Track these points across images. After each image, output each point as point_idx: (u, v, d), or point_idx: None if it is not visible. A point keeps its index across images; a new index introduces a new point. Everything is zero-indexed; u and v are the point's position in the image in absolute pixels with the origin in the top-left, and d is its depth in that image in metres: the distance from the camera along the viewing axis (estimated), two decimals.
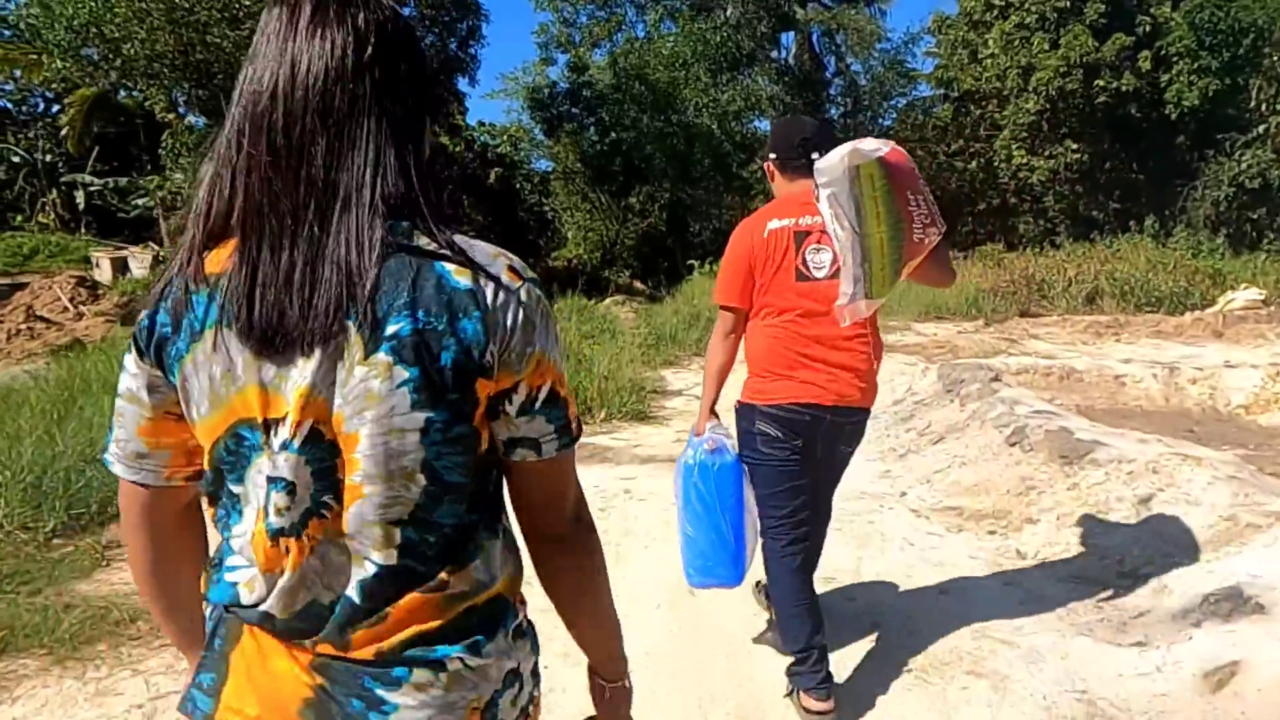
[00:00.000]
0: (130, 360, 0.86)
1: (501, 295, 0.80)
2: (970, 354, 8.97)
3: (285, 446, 0.79)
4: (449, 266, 0.79)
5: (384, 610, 0.81)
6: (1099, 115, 23.36)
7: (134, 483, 0.90)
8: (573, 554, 0.93)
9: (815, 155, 2.15)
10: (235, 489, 0.83)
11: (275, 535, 0.81)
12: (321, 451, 0.79)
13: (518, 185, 28.50)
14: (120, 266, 17.39)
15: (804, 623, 2.36)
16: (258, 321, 0.77)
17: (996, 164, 26.21)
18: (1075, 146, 23.23)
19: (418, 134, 0.84)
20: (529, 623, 0.94)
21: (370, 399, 0.77)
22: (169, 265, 0.84)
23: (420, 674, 0.82)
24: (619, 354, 8.36)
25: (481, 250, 0.82)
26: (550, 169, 27.36)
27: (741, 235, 2.37)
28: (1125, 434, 4.36)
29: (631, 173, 22.00)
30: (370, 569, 0.81)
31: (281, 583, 0.81)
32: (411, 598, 0.82)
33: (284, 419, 0.78)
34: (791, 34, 26.52)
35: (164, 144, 18.72)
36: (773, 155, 2.41)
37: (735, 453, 2.39)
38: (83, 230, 32.68)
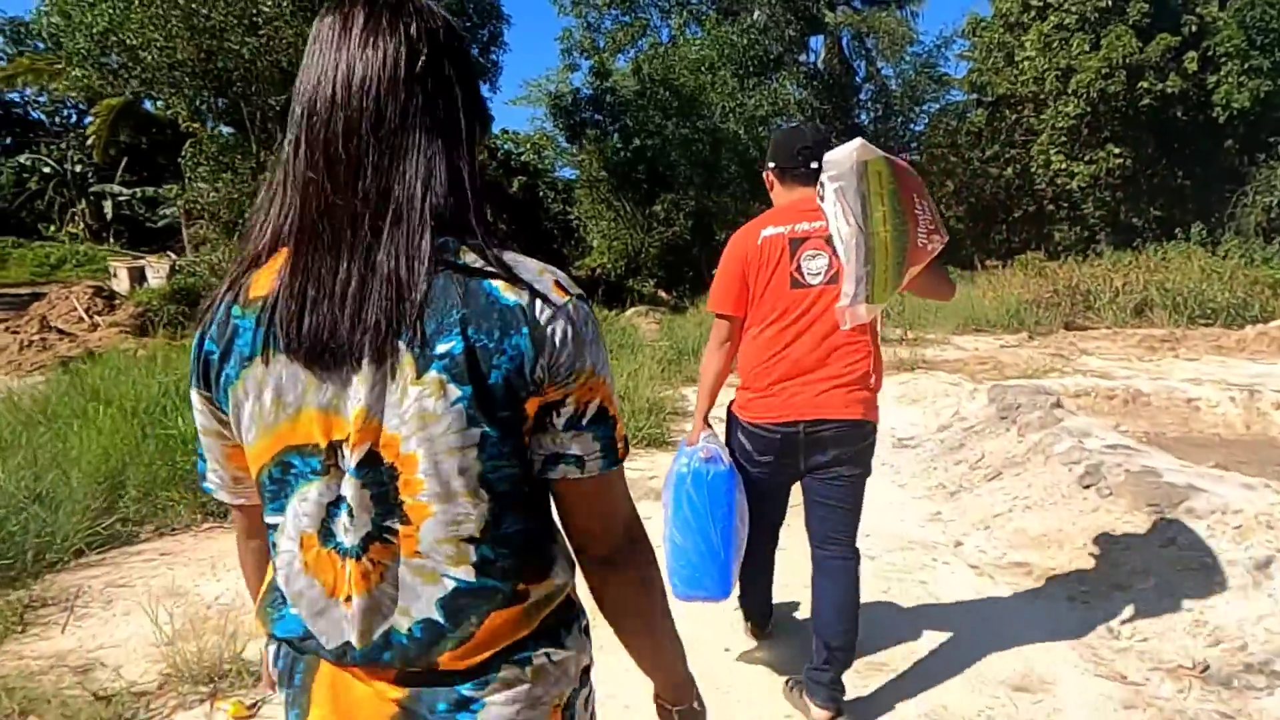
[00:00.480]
0: (195, 396, 0.86)
1: (549, 311, 0.79)
2: (1018, 372, 8.30)
3: (349, 469, 0.78)
4: (497, 283, 0.78)
5: (471, 632, 0.81)
6: (1142, 118, 22.46)
7: (240, 506, 0.94)
8: (625, 573, 0.90)
9: (814, 165, 2.18)
10: (273, 519, 0.84)
11: (344, 555, 0.80)
12: (379, 474, 0.78)
13: (541, 193, 28.18)
14: (138, 276, 17.19)
15: (760, 582, 2.70)
16: (308, 335, 0.76)
17: (1034, 170, 25.35)
18: (1117, 151, 22.32)
19: (469, 146, 0.83)
20: (588, 621, 0.94)
21: (426, 418, 0.76)
22: (217, 289, 0.84)
23: (508, 671, 0.83)
24: (638, 370, 7.84)
25: (528, 266, 0.81)
26: (574, 177, 27.01)
27: (736, 243, 2.35)
28: (1224, 476, 3.72)
29: (656, 180, 21.50)
30: (450, 585, 0.80)
31: (352, 611, 0.80)
32: (495, 616, 0.81)
33: (347, 439, 0.78)
34: (821, 37, 25.91)
35: (184, 153, 18.57)
36: (772, 164, 2.40)
37: (729, 462, 2.35)
38: (111, 240, 33.01)
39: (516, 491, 0.82)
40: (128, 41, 15.88)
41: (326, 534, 0.80)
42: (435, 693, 0.82)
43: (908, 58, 26.89)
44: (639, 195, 22.79)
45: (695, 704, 1.01)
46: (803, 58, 23.52)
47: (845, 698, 2.34)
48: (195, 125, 20.59)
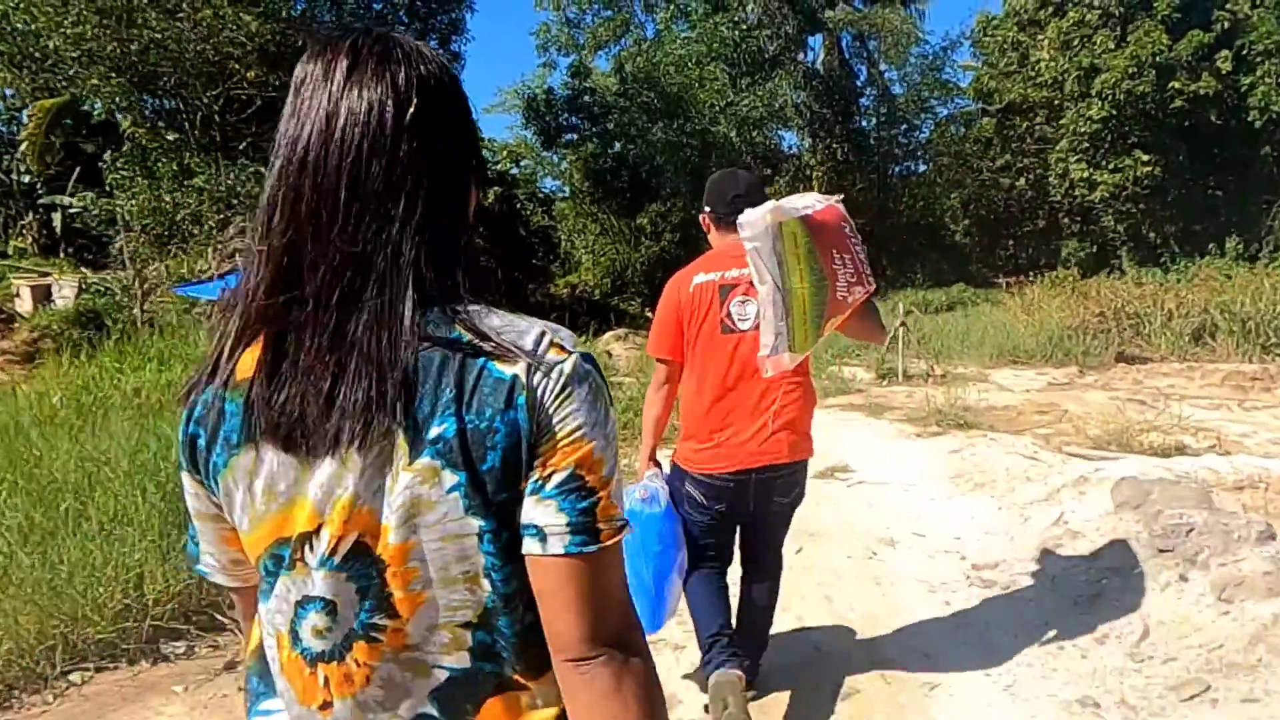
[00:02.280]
0: (185, 478, 0.82)
1: (540, 374, 0.73)
2: (1100, 429, 6.17)
3: (323, 563, 0.73)
4: (492, 358, 0.72)
5: (460, 714, 0.76)
6: (1171, 123, 20.56)
7: (239, 590, 0.89)
8: (594, 685, 0.73)
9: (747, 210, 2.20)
10: (261, 606, 0.80)
11: (313, 661, 0.75)
12: (366, 566, 0.72)
13: (519, 205, 26.18)
14: (43, 295, 15.04)
15: (712, 611, 2.48)
16: (275, 417, 0.71)
17: (1050, 180, 23.41)
18: (1145, 158, 20.39)
19: (460, 203, 0.78)
20: None
21: (421, 505, 0.71)
22: (200, 365, 0.78)
23: None
24: None
25: (526, 332, 0.74)
26: (555, 188, 25.10)
27: (670, 289, 2.45)
28: None
29: (640, 189, 19.48)
30: (442, 676, 0.75)
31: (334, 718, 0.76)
32: (492, 704, 0.76)
33: (317, 532, 0.72)
34: (820, 37, 23.99)
35: (105, 159, 16.53)
36: (707, 209, 2.50)
37: (666, 503, 2.40)
38: (62, 255, 30.81)
39: (523, 587, 0.74)
40: (30, 27, 13.86)
41: (294, 637, 0.75)
42: None
43: (913, 59, 25.00)
44: (622, 206, 20.76)
45: None
46: (801, 56, 21.58)
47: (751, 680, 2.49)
48: (140, 130, 18.54)
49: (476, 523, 0.71)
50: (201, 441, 0.76)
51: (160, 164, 15.43)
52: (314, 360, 0.70)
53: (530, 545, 0.73)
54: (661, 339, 2.41)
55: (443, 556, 0.72)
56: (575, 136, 19.54)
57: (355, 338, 0.70)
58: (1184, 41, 19.46)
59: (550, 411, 0.72)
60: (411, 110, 0.72)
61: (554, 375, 0.72)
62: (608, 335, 15.12)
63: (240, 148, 17.75)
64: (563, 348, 0.74)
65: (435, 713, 0.75)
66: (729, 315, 2.31)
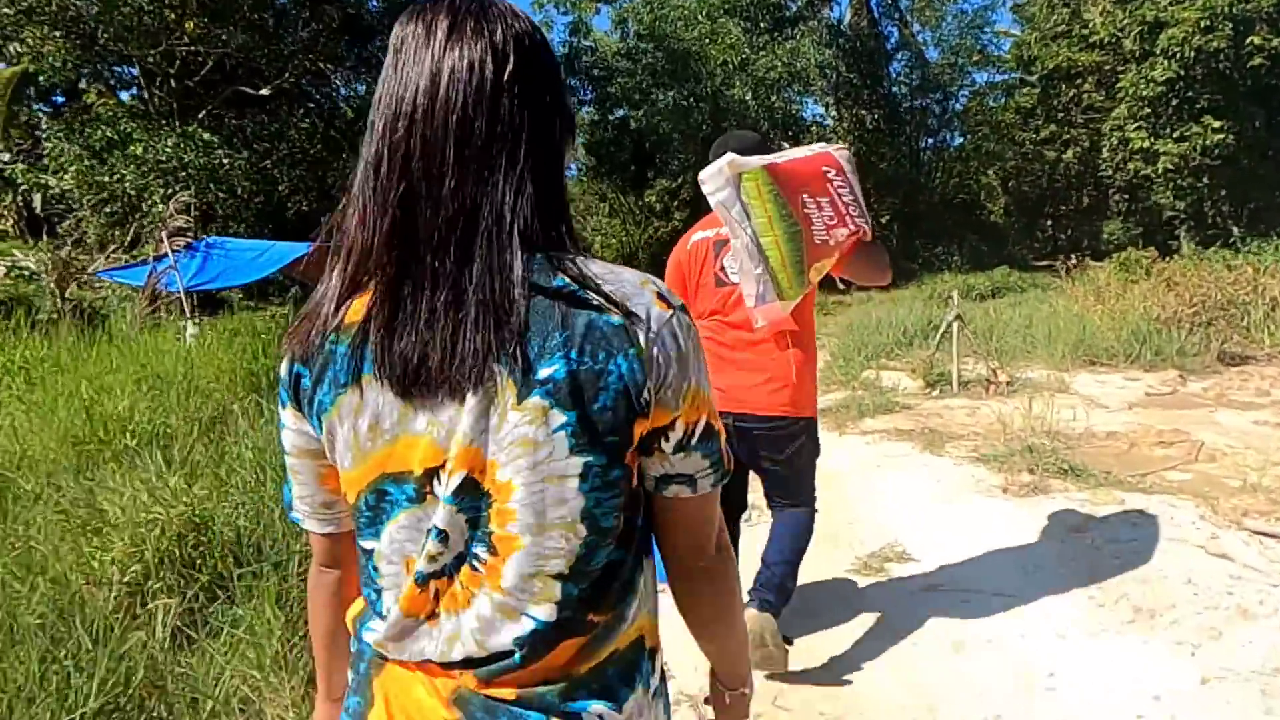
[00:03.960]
0: (286, 415, 0.85)
1: (653, 328, 0.76)
2: (1273, 473, 4.14)
3: (446, 498, 0.77)
4: (597, 302, 0.74)
5: (537, 661, 0.80)
6: (1248, 84, 18.17)
7: (328, 535, 0.92)
8: (714, 583, 0.90)
9: None
10: (367, 544, 0.83)
11: (424, 580, 0.79)
12: (476, 500, 0.76)
13: None
14: None
15: None
16: (397, 365, 0.74)
17: (1106, 151, 21.06)
18: (1216, 124, 18.00)
19: (558, 157, 0.80)
20: (663, 679, 0.91)
21: (525, 445, 0.74)
22: (309, 309, 0.81)
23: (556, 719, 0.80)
24: None
25: (628, 280, 0.78)
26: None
27: (675, 250, 2.55)
28: None
29: (644, 161, 17.42)
30: (529, 625, 0.78)
31: (436, 632, 0.79)
32: (563, 646, 0.79)
33: (444, 466, 0.76)
34: None
35: (45, 128, 14.79)
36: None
37: None
38: (45, 235, 29.38)
39: (615, 525, 0.79)
40: None
41: (424, 559, 0.78)
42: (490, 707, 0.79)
43: (949, 19, 22.65)
44: (627, 181, 18.75)
45: (746, 689, 1.03)
46: (826, 11, 19.27)
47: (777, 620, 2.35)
48: (104, 100, 16.79)
49: (582, 460, 0.74)
50: (307, 381, 0.79)
51: (92, 132, 13.60)
52: (432, 310, 0.72)
53: (679, 490, 0.82)
54: None
55: (542, 499, 0.74)
56: (573, 101, 17.49)
57: (471, 286, 0.71)
58: None
59: (672, 372, 0.76)
60: (510, 67, 0.75)
61: (667, 330, 0.76)
62: None
63: (200, 117, 16.05)
64: (667, 301, 0.77)
65: (517, 658, 0.77)
66: (723, 269, 2.39)
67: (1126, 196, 24.66)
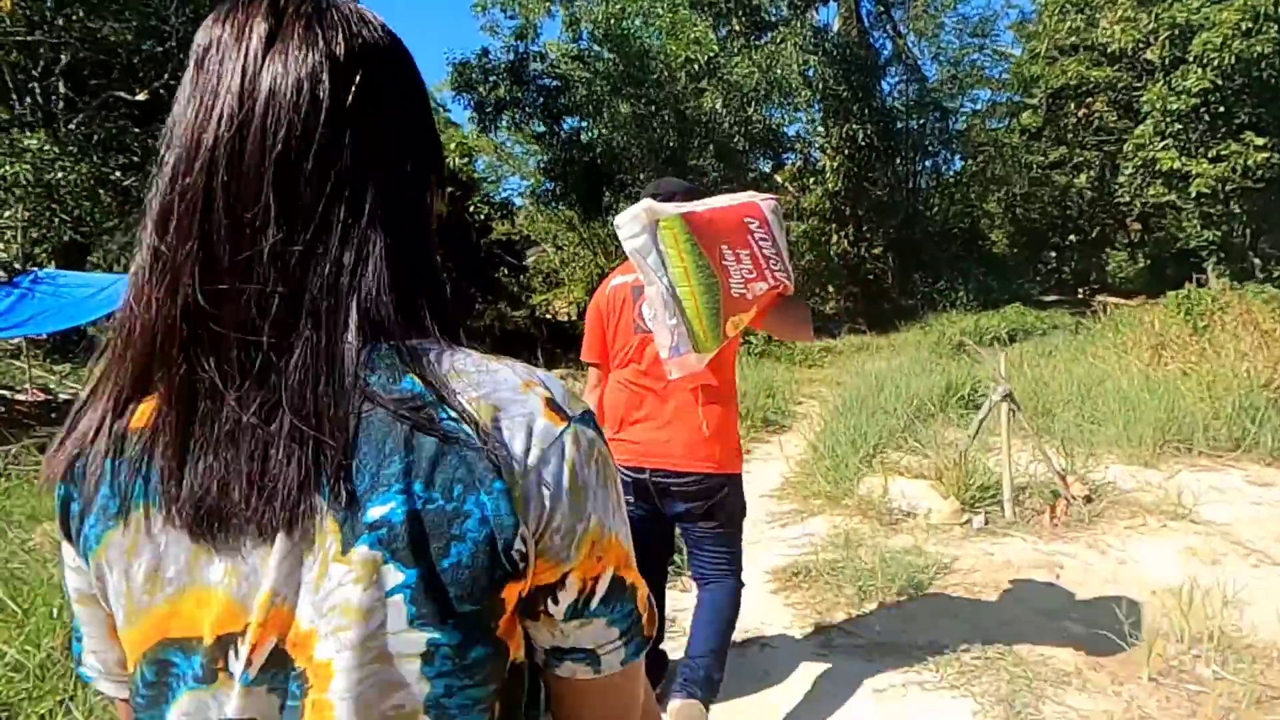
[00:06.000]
0: (66, 551, 0.67)
1: (536, 450, 0.58)
2: None
3: (244, 676, 0.59)
4: (457, 414, 0.57)
5: None
6: None
7: (128, 700, 0.71)
8: None
9: None
10: None
11: None
12: (285, 682, 0.57)
13: (473, 209, 21.80)
14: None
15: None
16: (186, 496, 0.57)
17: (1124, 175, 18.72)
18: (1260, 142, 15.68)
19: (418, 206, 0.62)
20: None
21: (348, 613, 0.55)
22: (79, 408, 0.63)
23: None
24: None
25: (504, 383, 0.59)
26: (522, 188, 20.85)
27: (595, 294, 2.52)
28: None
29: (598, 178, 14.90)
30: None
31: None
32: None
33: (243, 634, 0.57)
34: (834, 3, 19.47)
35: None
36: None
37: None
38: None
39: (488, 718, 0.60)
40: None
41: None
42: None
43: (947, 30, 20.43)
44: (582, 203, 16.25)
45: None
46: (811, 13, 16.94)
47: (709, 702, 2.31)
48: None
49: (425, 637, 0.56)
50: (75, 506, 0.62)
51: None
52: (237, 422, 0.56)
53: (575, 669, 0.64)
54: (589, 343, 2.48)
55: (371, 689, 0.56)
56: (517, 113, 14.95)
57: (285, 392, 0.55)
58: None
59: (564, 508, 0.59)
60: (355, 86, 0.58)
61: (555, 452, 0.58)
62: (554, 374, 10.72)
63: (72, 126, 13.58)
64: (560, 411, 0.60)
65: None
66: (640, 315, 2.36)
67: (1139, 226, 22.40)
